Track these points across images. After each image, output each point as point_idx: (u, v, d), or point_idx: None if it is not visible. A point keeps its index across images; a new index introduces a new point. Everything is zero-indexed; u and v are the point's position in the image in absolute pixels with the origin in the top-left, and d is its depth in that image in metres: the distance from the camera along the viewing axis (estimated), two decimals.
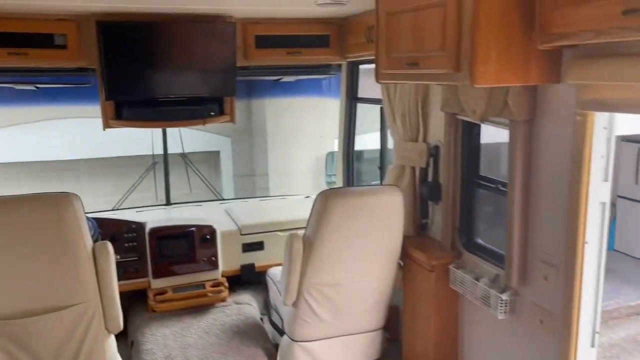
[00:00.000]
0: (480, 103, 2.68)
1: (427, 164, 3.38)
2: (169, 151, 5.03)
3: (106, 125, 3.80)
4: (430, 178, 3.39)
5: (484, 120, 2.75)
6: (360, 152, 5.42)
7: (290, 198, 5.23)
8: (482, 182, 3.03)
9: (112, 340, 2.99)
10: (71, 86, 4.21)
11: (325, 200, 3.02)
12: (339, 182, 4.93)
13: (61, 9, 3.38)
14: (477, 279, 2.88)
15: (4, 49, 3.41)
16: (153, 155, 4.98)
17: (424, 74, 2.52)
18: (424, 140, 3.40)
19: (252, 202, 5.12)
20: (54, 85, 4.43)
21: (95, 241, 3.51)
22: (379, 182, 4.26)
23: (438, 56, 2.34)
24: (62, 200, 2.69)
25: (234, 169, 7.22)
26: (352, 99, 4.63)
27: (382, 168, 4.22)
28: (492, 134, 2.98)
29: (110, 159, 6.71)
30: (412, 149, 3.43)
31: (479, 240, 3.10)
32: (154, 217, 4.30)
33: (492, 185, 2.95)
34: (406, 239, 3.33)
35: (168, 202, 4.97)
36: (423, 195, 3.40)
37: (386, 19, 2.76)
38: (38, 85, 3.88)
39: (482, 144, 3.06)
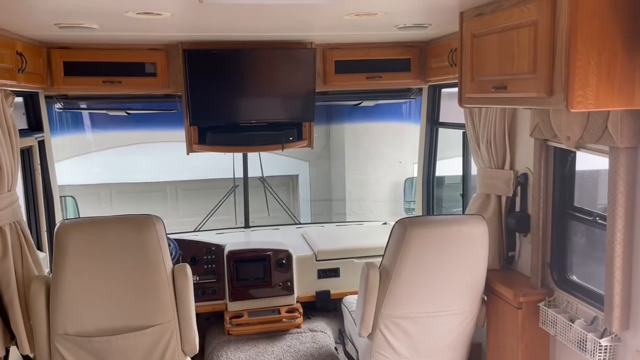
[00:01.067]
0: (575, 129, 2.48)
1: (514, 193, 3.17)
2: (249, 175, 5.11)
3: (190, 149, 3.92)
4: (517, 208, 3.18)
5: (580, 147, 2.54)
6: (441, 179, 5.24)
7: (367, 224, 5.14)
8: (577, 214, 2.79)
9: None
10: (163, 112, 4.40)
11: (403, 229, 2.90)
12: (418, 209, 4.77)
13: (152, 39, 3.56)
14: (572, 320, 2.63)
15: (100, 77, 3.63)
16: (234, 179, 5.07)
17: (512, 98, 2.37)
18: (511, 167, 3.20)
19: (328, 227, 5.07)
20: (144, 111, 4.66)
21: (176, 262, 3.61)
22: (461, 210, 4.08)
23: (528, 79, 2.20)
24: (144, 222, 2.77)
25: (311, 193, 7.24)
26: (433, 124, 4.49)
27: (464, 196, 4.03)
28: (590, 159, 2.74)
29: (193, 181, 6.97)
30: (498, 177, 3.24)
31: (574, 277, 2.84)
32: (232, 240, 4.37)
33: (589, 218, 2.70)
34: (491, 273, 3.12)
35: (247, 225, 5.04)
36: (510, 226, 3.19)
37: (471, 41, 2.65)
38: (129, 112, 4.10)
39: (577, 172, 2.83)
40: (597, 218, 2.63)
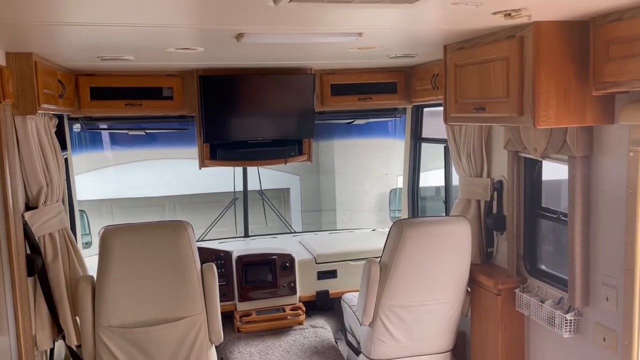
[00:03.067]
0: (541, 142, 3.02)
1: (492, 197, 3.70)
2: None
3: (202, 164, 4.35)
4: (494, 210, 3.71)
5: (545, 157, 3.08)
6: (422, 189, 5.76)
7: (358, 231, 5.62)
8: (545, 213, 3.33)
9: (213, 351, 3.42)
10: (173, 131, 4.81)
11: (400, 228, 3.39)
12: (403, 216, 5.28)
13: (170, 66, 4.00)
14: (542, 302, 3.14)
15: (122, 101, 4.05)
16: (234, 192, 5.49)
17: (490, 117, 2.89)
18: (488, 175, 3.73)
19: (322, 235, 5.51)
20: (160, 131, 5.06)
21: None
22: (445, 215, 4.60)
23: (503, 102, 2.73)
24: (178, 227, 3.19)
25: (302, 204, 7.71)
26: (417, 139, 5.02)
27: (447, 202, 4.56)
28: (553, 171, 3.29)
29: (192, 195, 7.36)
30: (477, 184, 3.77)
31: (543, 267, 3.37)
32: (236, 247, 4.77)
33: (554, 216, 3.24)
34: (473, 267, 3.63)
35: (247, 234, 5.45)
36: (488, 226, 3.71)
37: (454, 70, 3.18)
38: (147, 131, 4.51)
39: (544, 180, 3.37)
40: (561, 216, 3.17)
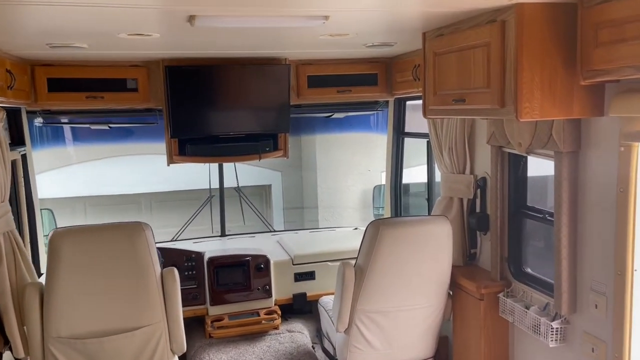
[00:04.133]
0: (525, 136, 2.80)
1: (475, 195, 3.48)
2: (224, 185, 5.30)
3: (170, 161, 4.10)
4: (478, 209, 3.49)
5: (530, 152, 2.86)
6: (407, 185, 5.54)
7: (339, 230, 5.39)
8: (530, 213, 3.12)
9: None
10: (139, 125, 4.56)
11: (376, 229, 3.17)
12: (387, 214, 5.06)
13: (134, 56, 3.74)
14: (527, 308, 2.93)
15: (83, 93, 3.79)
16: (210, 189, 5.25)
17: (470, 110, 2.67)
18: (471, 172, 3.51)
19: (302, 234, 5.29)
20: (125, 125, 4.81)
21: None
22: (427, 214, 4.38)
23: (483, 93, 2.50)
24: (134, 229, 2.95)
25: (284, 201, 7.47)
26: (400, 134, 4.80)
27: (429, 200, 4.34)
28: (539, 167, 3.07)
29: (167, 193, 7.10)
30: (460, 181, 3.55)
31: (528, 270, 3.16)
32: (210, 248, 4.54)
33: (540, 216, 3.03)
34: (455, 269, 3.42)
35: (223, 234, 5.21)
36: (471, 225, 3.49)
37: (433, 59, 2.95)
38: (111, 125, 4.25)
39: (529, 176, 3.15)
40: (547, 215, 2.95)
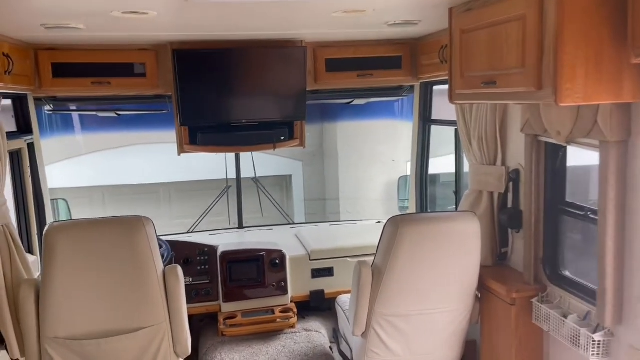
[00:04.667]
0: (565, 123, 2.47)
1: (507, 189, 3.16)
2: (242, 175, 5.10)
3: (181, 150, 3.90)
4: (510, 204, 3.17)
5: (571, 142, 2.53)
6: (435, 176, 5.23)
7: (361, 223, 5.12)
8: (569, 210, 2.79)
9: None
10: (149, 113, 4.37)
11: (395, 226, 2.89)
12: (411, 207, 4.76)
13: (141, 39, 3.53)
14: (565, 316, 2.62)
15: (89, 79, 3.61)
16: (227, 180, 5.04)
17: (502, 93, 2.36)
18: (503, 163, 3.19)
19: (322, 227, 5.05)
20: (134, 112, 4.63)
21: (168, 264, 3.58)
22: (455, 207, 4.07)
23: (517, 73, 2.19)
24: (134, 224, 2.75)
25: (305, 193, 7.22)
26: (426, 121, 4.48)
27: (457, 193, 4.02)
28: (581, 155, 2.74)
29: (186, 183, 6.95)
30: (490, 173, 3.23)
31: (566, 273, 2.83)
32: (226, 241, 4.34)
33: (581, 213, 2.70)
34: (484, 269, 3.11)
35: (240, 226, 5.02)
36: (502, 222, 3.18)
37: (460, 37, 2.64)
38: (119, 113, 4.07)
39: (568, 167, 2.82)
40: (589, 213, 2.62)
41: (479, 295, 3.18)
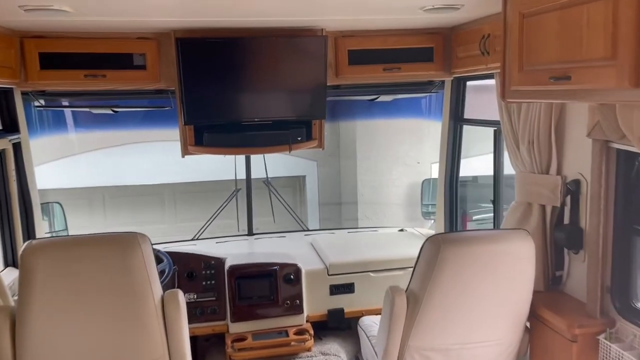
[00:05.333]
0: None
1: (563, 203, 2.71)
2: (253, 176, 4.68)
3: (185, 151, 3.48)
4: (566, 220, 2.72)
5: None
6: (463, 179, 4.78)
7: (382, 231, 4.68)
8: None
9: None
10: (150, 109, 3.94)
11: (436, 247, 2.45)
12: (439, 214, 4.32)
13: (140, 25, 3.11)
14: None
15: (81, 71, 3.19)
16: (236, 182, 4.62)
17: (578, 91, 1.90)
18: (558, 172, 2.74)
19: (339, 235, 4.62)
20: (132, 109, 4.21)
21: (170, 280, 3.18)
22: (492, 217, 3.62)
23: (604, 66, 1.74)
24: (128, 242, 2.32)
25: (319, 196, 6.76)
26: (457, 120, 4.02)
27: (496, 202, 3.57)
28: None
29: (192, 184, 6.54)
30: (542, 183, 2.78)
31: None
32: (234, 250, 3.94)
33: None
34: (534, 295, 2.66)
35: (250, 232, 4.60)
36: (558, 241, 2.73)
37: (520, 22, 2.19)
38: (116, 109, 3.65)
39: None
40: None
41: (529, 326, 2.74)
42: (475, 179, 5.20)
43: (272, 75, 3.40)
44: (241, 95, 3.39)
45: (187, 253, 3.72)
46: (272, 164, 5.11)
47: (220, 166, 5.51)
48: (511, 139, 2.95)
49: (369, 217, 6.30)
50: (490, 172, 3.61)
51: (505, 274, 2.50)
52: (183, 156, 3.49)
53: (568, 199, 2.68)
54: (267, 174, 4.66)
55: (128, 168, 6.09)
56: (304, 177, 6.91)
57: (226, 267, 3.58)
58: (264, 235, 4.61)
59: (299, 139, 3.56)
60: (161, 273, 3.27)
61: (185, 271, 3.58)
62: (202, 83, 3.26)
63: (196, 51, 3.20)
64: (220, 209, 4.65)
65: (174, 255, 3.55)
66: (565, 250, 2.75)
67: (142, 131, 5.81)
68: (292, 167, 6.47)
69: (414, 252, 3.30)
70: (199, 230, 4.62)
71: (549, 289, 2.80)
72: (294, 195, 7.12)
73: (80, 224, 6.16)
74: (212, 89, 3.31)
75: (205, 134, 3.44)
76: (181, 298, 2.46)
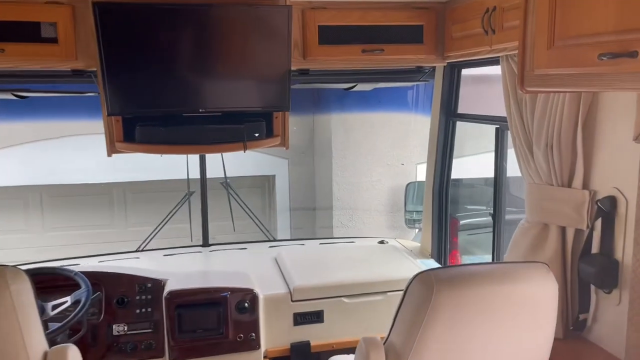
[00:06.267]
0: None
1: (591, 226, 2.08)
2: (210, 175, 4.01)
3: (111, 149, 2.79)
4: (595, 248, 2.09)
5: None
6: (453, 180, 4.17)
7: (360, 243, 4.05)
8: None
9: None
10: (71, 95, 3.23)
11: (428, 289, 1.79)
12: (425, 225, 3.69)
13: None
14: None
15: None
16: (188, 183, 3.94)
17: None
18: (585, 186, 2.11)
19: (310, 247, 3.98)
20: (46, 94, 3.47)
21: (88, 309, 2.57)
22: (491, 236, 3.00)
23: None
24: None
25: (291, 199, 6.06)
26: (450, 116, 3.39)
27: (496, 216, 2.94)
28: None
29: (147, 182, 5.82)
30: (563, 199, 2.15)
31: None
32: (183, 267, 3.34)
33: None
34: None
35: (205, 243, 3.93)
36: (582, 275, 2.10)
37: None
38: (21, 95, 2.91)
39: None
40: None
41: None
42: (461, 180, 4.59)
43: (221, 55, 2.71)
44: (181, 80, 2.70)
45: (117, 273, 3.04)
46: (236, 161, 4.44)
47: (178, 163, 4.83)
48: (522, 141, 2.31)
49: (346, 225, 5.63)
50: (485, 174, 3.01)
51: (519, 323, 1.86)
52: (109, 155, 2.79)
53: (598, 221, 2.05)
54: (225, 174, 3.99)
55: (69, 164, 5.32)
56: (273, 176, 6.21)
57: (164, 293, 2.90)
58: (222, 246, 3.94)
59: (257, 135, 2.89)
60: (75, 304, 2.61)
61: (115, 296, 2.91)
62: (129, 63, 2.56)
63: (121, 20, 2.50)
64: (169, 216, 3.98)
65: (100, 277, 2.89)
66: (592, 287, 2.12)
67: (84, 122, 5.06)
68: (260, 166, 5.78)
69: (396, 271, 2.70)
70: (144, 241, 3.94)
71: (569, 336, 2.18)
72: (262, 198, 6.42)
73: (15, 227, 5.44)
74: (143, 71, 2.61)
75: (138, 127, 2.74)
76: (72, 356, 1.78)
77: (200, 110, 2.75)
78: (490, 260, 3.19)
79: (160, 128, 2.75)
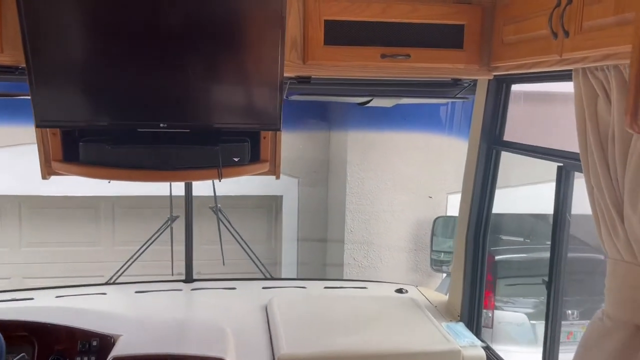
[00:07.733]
0: None
1: None
2: (202, 192, 3.39)
3: (47, 170, 2.17)
4: None
5: None
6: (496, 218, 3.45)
7: (373, 289, 3.36)
8: None
9: None
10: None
11: None
12: (456, 274, 2.98)
13: None
14: None
15: None
16: (171, 205, 3.34)
17: None
18: None
19: (311, 292, 3.31)
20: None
21: None
22: (546, 308, 2.25)
23: None
24: None
25: (299, 226, 5.34)
26: (494, 143, 2.67)
27: (552, 284, 2.18)
28: None
29: (137, 198, 5.27)
30: None
31: None
32: (162, 304, 2.94)
33: None
34: None
35: (189, 279, 3.33)
36: None
37: None
38: None
39: None
40: None
41: None
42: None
43: (194, 54, 2.06)
44: (139, 83, 2.05)
45: (56, 326, 2.43)
46: (238, 179, 3.78)
47: None
48: (605, 196, 1.57)
49: (359, 263, 4.87)
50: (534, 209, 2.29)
51: None
52: (44, 177, 2.17)
53: None
54: (215, 198, 3.34)
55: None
56: (280, 197, 5.52)
57: (110, 357, 2.27)
58: (207, 283, 3.32)
59: (237, 159, 2.22)
60: None
61: (49, 354, 2.32)
62: (65, 58, 1.93)
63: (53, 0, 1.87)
64: (146, 245, 3.35)
65: (33, 329, 2.31)
66: None
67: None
68: (266, 185, 5.12)
69: (413, 340, 2.39)
70: (117, 272, 3.35)
71: None
72: (268, 221, 5.72)
73: None
74: (87, 70, 1.98)
75: (81, 144, 2.11)
76: None
77: (162, 124, 2.09)
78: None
79: (110, 146, 2.11)
